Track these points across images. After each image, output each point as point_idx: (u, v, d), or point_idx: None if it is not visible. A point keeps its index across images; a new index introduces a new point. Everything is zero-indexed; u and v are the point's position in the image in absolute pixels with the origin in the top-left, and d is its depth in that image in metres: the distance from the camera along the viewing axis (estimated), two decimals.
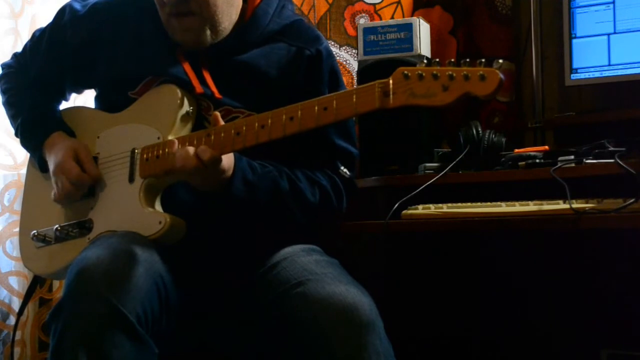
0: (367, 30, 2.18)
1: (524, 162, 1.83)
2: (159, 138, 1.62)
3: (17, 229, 1.89)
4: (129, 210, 1.61)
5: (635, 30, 2.05)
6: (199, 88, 1.66)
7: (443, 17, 2.40)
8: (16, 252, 2.29)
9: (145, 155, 1.62)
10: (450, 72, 1.26)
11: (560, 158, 1.78)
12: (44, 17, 2.35)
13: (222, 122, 1.52)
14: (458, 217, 1.71)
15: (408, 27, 2.14)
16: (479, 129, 1.95)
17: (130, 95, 1.72)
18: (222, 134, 1.49)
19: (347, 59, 2.48)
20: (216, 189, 1.54)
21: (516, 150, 1.92)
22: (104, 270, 1.40)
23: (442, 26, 2.39)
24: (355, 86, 2.11)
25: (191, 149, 1.48)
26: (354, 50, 2.46)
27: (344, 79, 2.11)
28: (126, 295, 1.38)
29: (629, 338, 1.98)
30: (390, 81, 1.32)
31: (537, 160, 1.83)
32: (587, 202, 1.59)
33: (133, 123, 1.69)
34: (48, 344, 1.41)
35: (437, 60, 1.31)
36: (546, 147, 1.93)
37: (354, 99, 1.37)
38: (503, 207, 1.68)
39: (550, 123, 2.26)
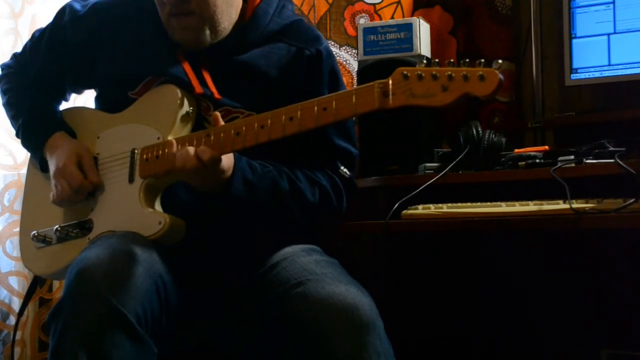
0: (367, 30, 2.18)
1: (524, 162, 1.83)
2: (158, 138, 1.62)
3: (17, 229, 1.89)
4: (128, 210, 1.61)
5: (635, 30, 2.05)
6: (198, 88, 1.66)
7: (443, 17, 2.40)
8: (16, 252, 2.29)
9: (145, 156, 1.62)
10: (449, 73, 1.26)
11: (560, 158, 1.78)
12: (44, 17, 2.35)
13: (222, 122, 1.52)
14: (458, 217, 1.71)
15: (408, 27, 2.14)
16: (479, 129, 1.95)
17: (130, 95, 1.72)
18: (222, 134, 1.49)
19: (347, 59, 2.48)
20: (216, 189, 1.54)
21: (516, 150, 1.92)
22: (103, 270, 1.40)
23: (442, 26, 2.39)
24: (355, 86, 2.10)
25: (191, 149, 1.48)
26: (354, 50, 2.46)
27: (344, 79, 2.11)
28: (126, 296, 1.38)
29: (629, 338, 1.98)
30: (390, 81, 1.32)
31: (537, 160, 1.83)
32: (587, 202, 1.59)
33: (133, 123, 1.70)
34: (48, 344, 1.41)
35: (437, 60, 1.31)
36: (546, 147, 1.93)
37: (354, 100, 1.37)
38: (503, 207, 1.68)
39: (550, 123, 2.26)
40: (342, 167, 1.72)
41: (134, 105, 1.71)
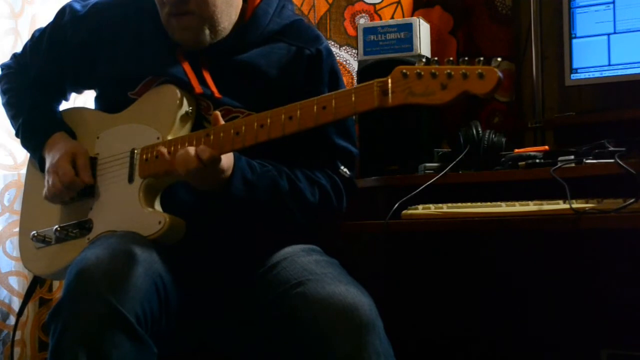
0: (367, 30, 2.18)
1: (524, 162, 1.83)
2: (158, 138, 1.62)
3: (17, 229, 1.89)
4: (128, 210, 1.61)
5: (635, 30, 2.05)
6: (198, 88, 1.66)
7: (443, 17, 2.40)
8: (16, 252, 2.28)
9: (144, 156, 1.62)
10: (448, 71, 1.26)
11: (560, 158, 1.78)
12: (44, 17, 2.35)
13: (222, 122, 1.52)
14: (458, 217, 1.71)
15: (408, 27, 2.14)
16: (479, 129, 1.95)
17: (130, 95, 1.72)
18: (222, 134, 1.49)
19: (347, 59, 2.48)
20: (215, 188, 1.54)
21: (516, 150, 1.92)
22: (103, 270, 1.40)
23: (442, 26, 2.39)
24: (355, 86, 2.11)
25: (191, 149, 1.48)
26: (354, 50, 2.46)
27: (344, 79, 2.11)
28: (125, 296, 1.38)
29: (629, 338, 1.98)
30: (389, 80, 1.32)
31: (537, 160, 1.82)
32: (587, 202, 1.59)
33: (132, 123, 1.70)
34: (48, 344, 1.41)
35: (436, 59, 1.31)
36: (546, 147, 1.93)
37: (353, 98, 1.37)
38: (503, 207, 1.67)
39: (550, 123, 2.26)
40: (342, 167, 1.72)
41: (134, 105, 1.71)
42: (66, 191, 1.68)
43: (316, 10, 2.51)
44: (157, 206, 1.62)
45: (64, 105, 1.91)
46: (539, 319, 2.09)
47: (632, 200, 1.53)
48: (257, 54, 1.72)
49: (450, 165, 1.89)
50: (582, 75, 2.12)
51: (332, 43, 2.47)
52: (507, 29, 2.34)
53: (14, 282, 2.33)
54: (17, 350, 2.28)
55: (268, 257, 1.63)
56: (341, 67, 2.41)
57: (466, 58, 1.27)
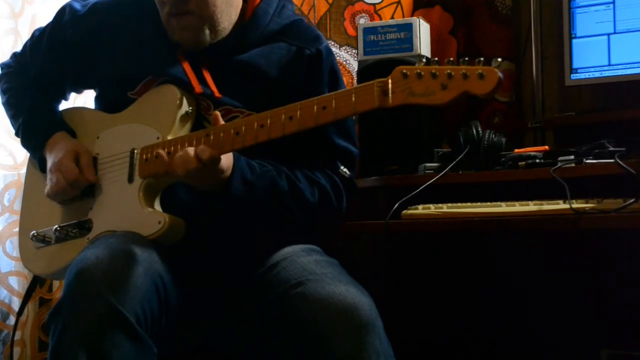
0: (367, 30, 2.18)
1: (524, 162, 1.83)
2: (158, 138, 1.62)
3: (17, 229, 1.89)
4: (128, 210, 1.61)
5: (635, 30, 2.05)
6: (198, 88, 1.66)
7: (443, 17, 2.40)
8: (16, 252, 2.28)
9: (144, 156, 1.62)
10: (448, 71, 1.26)
11: (560, 158, 1.78)
12: (44, 17, 2.35)
13: (222, 122, 1.52)
14: (458, 217, 1.71)
15: (408, 27, 2.14)
16: (479, 129, 1.95)
17: (130, 95, 1.72)
18: (222, 134, 1.49)
19: (347, 59, 2.48)
20: (215, 188, 1.54)
21: (516, 150, 1.92)
22: (103, 270, 1.40)
23: (442, 26, 2.39)
24: (355, 86, 2.11)
25: (190, 150, 1.48)
26: (354, 50, 2.46)
27: (344, 79, 2.11)
28: (125, 296, 1.38)
29: (629, 338, 1.98)
30: (389, 80, 1.32)
31: (537, 160, 1.82)
32: (587, 202, 1.59)
33: (132, 123, 1.70)
34: (48, 344, 1.41)
35: (436, 59, 1.31)
36: (546, 147, 1.93)
37: (353, 98, 1.37)
38: (503, 207, 1.67)
39: (550, 123, 2.26)
40: (342, 167, 1.72)
41: (134, 105, 1.71)
42: (70, 189, 1.68)
43: (316, 10, 2.51)
44: (157, 206, 1.62)
45: (63, 105, 1.91)
46: (539, 319, 2.09)
47: (632, 200, 1.53)
48: (257, 54, 1.72)
49: (450, 165, 1.89)
50: (582, 75, 2.12)
51: (332, 43, 2.47)
52: (507, 29, 2.34)
53: (14, 282, 2.33)
54: (17, 350, 2.28)
55: (268, 257, 1.63)
56: (341, 67, 2.41)
57: (466, 58, 1.27)
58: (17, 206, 2.31)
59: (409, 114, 2.08)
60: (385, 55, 2.15)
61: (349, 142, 1.75)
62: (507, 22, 2.34)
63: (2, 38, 2.35)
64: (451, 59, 1.28)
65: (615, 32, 2.07)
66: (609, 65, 2.08)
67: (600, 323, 2.00)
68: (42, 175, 1.80)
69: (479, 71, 1.24)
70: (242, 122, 1.49)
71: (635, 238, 1.80)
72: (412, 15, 2.42)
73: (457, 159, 1.91)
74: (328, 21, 2.50)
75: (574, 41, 2.12)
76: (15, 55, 1.93)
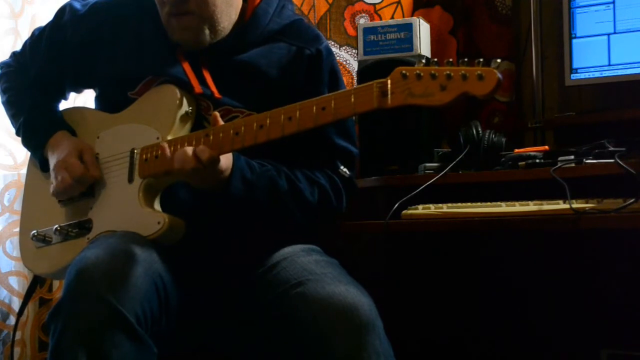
0: (367, 30, 2.18)
1: (524, 162, 1.83)
2: (158, 138, 1.62)
3: (17, 229, 1.89)
4: (128, 210, 1.61)
5: (635, 30, 2.05)
6: (197, 88, 1.66)
7: (443, 17, 2.40)
8: (16, 252, 2.29)
9: (144, 156, 1.62)
10: (448, 72, 1.26)
11: (560, 158, 1.78)
12: (44, 17, 2.35)
13: (221, 122, 1.52)
14: (458, 217, 1.71)
15: (408, 27, 2.14)
16: (479, 129, 1.95)
17: (130, 95, 1.72)
18: (221, 134, 1.49)
19: (347, 59, 2.48)
20: (215, 188, 1.54)
21: (516, 150, 1.92)
22: (103, 270, 1.40)
23: (442, 26, 2.39)
24: (355, 86, 2.11)
25: (189, 149, 1.48)
26: (354, 50, 2.46)
27: (344, 79, 2.11)
28: (125, 295, 1.38)
29: (629, 338, 1.98)
30: (389, 81, 1.32)
31: (537, 160, 1.82)
32: (587, 202, 1.59)
33: (132, 123, 1.70)
34: (48, 344, 1.41)
35: (436, 60, 1.31)
36: (546, 147, 1.93)
37: (352, 99, 1.37)
38: (503, 207, 1.67)
39: (550, 123, 2.26)
40: (341, 167, 1.72)
41: (134, 105, 1.72)
42: (77, 185, 1.68)
43: (316, 10, 2.51)
44: (157, 206, 1.62)
45: (63, 105, 1.91)
46: (539, 319, 2.09)
47: (632, 200, 1.53)
48: (257, 54, 1.72)
49: (450, 165, 1.89)
50: (582, 75, 2.12)
51: (332, 43, 2.47)
52: (507, 29, 2.34)
53: (14, 282, 2.33)
54: (17, 350, 2.29)
55: (268, 257, 1.63)
56: (341, 67, 2.41)
57: (466, 59, 1.27)
58: (17, 206, 2.31)
59: (409, 114, 2.08)
60: (385, 56, 2.15)
61: (349, 142, 1.75)
62: (507, 22, 2.34)
63: (2, 38, 2.35)
64: (450, 59, 1.28)
65: (615, 32, 2.07)
66: (609, 65, 2.08)
67: (600, 323, 2.00)
68: (42, 175, 1.80)
69: (478, 72, 1.24)
70: (242, 122, 1.49)
71: (635, 238, 1.80)
72: (412, 15, 2.42)
73: (457, 159, 1.91)
74: (328, 21, 2.50)
75: (574, 41, 2.12)
76: (15, 55, 1.93)
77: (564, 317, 2.06)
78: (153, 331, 1.43)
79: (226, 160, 1.52)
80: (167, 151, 1.54)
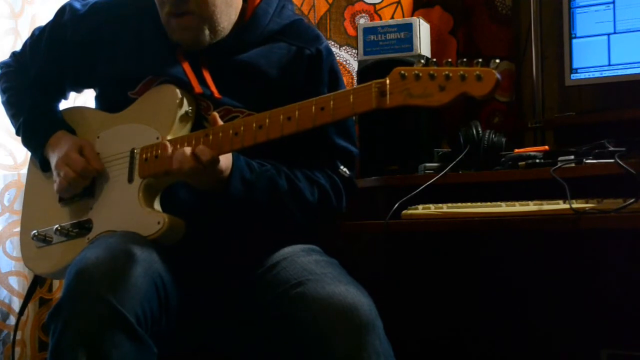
0: (367, 30, 2.18)
1: (524, 162, 1.83)
2: (158, 138, 1.63)
3: (17, 229, 1.90)
4: (128, 210, 1.61)
5: (635, 30, 2.05)
6: (197, 88, 1.66)
7: (443, 17, 2.40)
8: (16, 252, 2.29)
9: (144, 156, 1.62)
10: (447, 72, 1.26)
11: (560, 158, 1.78)
12: (44, 17, 2.35)
13: (220, 122, 1.52)
14: (458, 217, 1.71)
15: (408, 27, 2.14)
16: (479, 129, 1.95)
17: (130, 95, 1.72)
18: (220, 134, 1.50)
19: (347, 59, 2.48)
20: (214, 188, 1.54)
21: (516, 150, 1.92)
22: (103, 270, 1.40)
23: (442, 26, 2.39)
24: (355, 86, 2.11)
25: (189, 150, 1.48)
26: (354, 50, 2.46)
27: (344, 79, 2.11)
28: (125, 295, 1.38)
29: (629, 338, 1.98)
30: (387, 81, 1.32)
31: (537, 160, 1.82)
32: (587, 202, 1.59)
33: (132, 123, 1.70)
34: (48, 344, 1.41)
35: (435, 60, 1.31)
36: (546, 147, 1.93)
37: (351, 99, 1.37)
38: (503, 207, 1.67)
39: (550, 123, 2.26)
40: (341, 167, 1.72)
41: (134, 105, 1.72)
42: (80, 179, 1.68)
43: (316, 10, 2.51)
44: (157, 206, 1.62)
45: (63, 105, 1.91)
46: (539, 319, 2.09)
47: (632, 200, 1.53)
48: (257, 54, 1.72)
49: (450, 165, 1.89)
50: (582, 75, 2.12)
51: (332, 43, 2.47)
52: (507, 29, 2.34)
53: (14, 282, 2.33)
54: (17, 350, 2.29)
55: (267, 257, 1.63)
56: (341, 67, 2.41)
57: (465, 59, 1.27)
58: (17, 206, 2.31)
59: (408, 114, 2.08)
60: (385, 55, 2.15)
61: (348, 142, 1.75)
62: (507, 22, 2.34)
63: (2, 38, 2.35)
64: (449, 60, 1.28)
65: (615, 32, 2.07)
66: (609, 65, 2.08)
67: (600, 323, 2.00)
68: (43, 175, 1.80)
69: (476, 73, 1.24)
70: (241, 122, 1.49)
71: (635, 238, 1.80)
72: (412, 15, 2.42)
73: (457, 159, 1.91)
74: (328, 21, 2.50)
75: (574, 41, 2.12)
76: (15, 55, 1.93)
77: (564, 317, 2.06)
78: (153, 331, 1.43)
79: (226, 161, 1.52)
80: (167, 151, 1.54)
